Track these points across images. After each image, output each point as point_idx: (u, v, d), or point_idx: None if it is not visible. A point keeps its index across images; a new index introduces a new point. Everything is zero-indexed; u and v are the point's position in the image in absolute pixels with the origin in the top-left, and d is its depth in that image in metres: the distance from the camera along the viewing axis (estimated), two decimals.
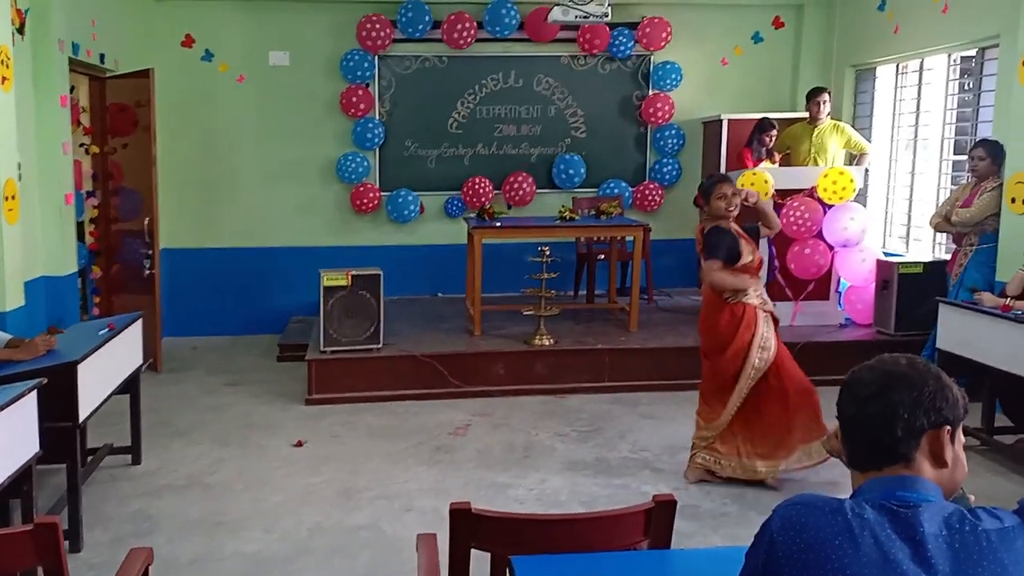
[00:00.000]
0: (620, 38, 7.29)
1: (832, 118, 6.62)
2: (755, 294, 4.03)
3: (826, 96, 6.44)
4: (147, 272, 6.10)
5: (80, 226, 5.96)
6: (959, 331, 4.51)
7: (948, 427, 1.36)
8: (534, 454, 4.55)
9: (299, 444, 4.69)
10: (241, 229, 7.29)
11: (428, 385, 5.43)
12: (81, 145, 6.33)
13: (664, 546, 1.90)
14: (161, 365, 6.21)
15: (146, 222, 6.08)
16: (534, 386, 5.53)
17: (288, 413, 5.24)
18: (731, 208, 3.96)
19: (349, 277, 5.37)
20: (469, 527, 1.86)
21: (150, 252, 6.10)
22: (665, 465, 4.37)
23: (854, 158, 6.57)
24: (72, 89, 5.71)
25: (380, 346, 5.50)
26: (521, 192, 7.39)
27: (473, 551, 1.92)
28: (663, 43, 7.35)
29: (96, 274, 6.30)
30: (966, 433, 4.52)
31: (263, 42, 7.15)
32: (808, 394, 4.02)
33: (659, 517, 1.89)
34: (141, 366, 4.41)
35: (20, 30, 4.78)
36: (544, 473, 4.29)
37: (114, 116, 6.36)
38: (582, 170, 7.44)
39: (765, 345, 3.98)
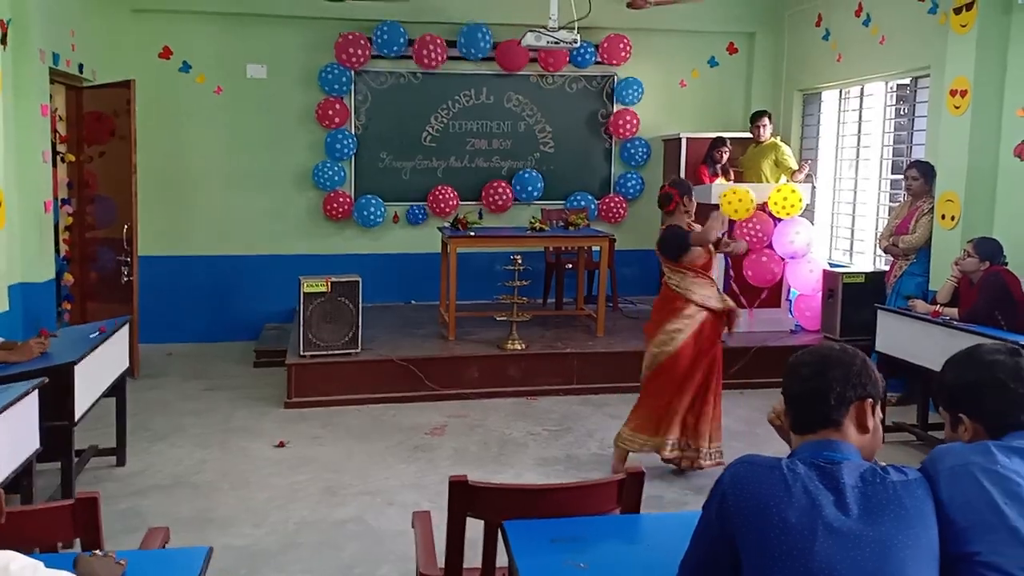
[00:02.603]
0: (583, 52, 7.59)
1: (781, 139, 7.05)
2: (702, 293, 4.31)
3: (766, 120, 6.92)
4: (125, 279, 6.20)
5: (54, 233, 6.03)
6: (895, 335, 4.88)
7: (871, 400, 1.68)
8: (508, 452, 4.79)
9: (281, 445, 4.86)
10: (214, 237, 7.40)
11: (406, 388, 5.63)
12: (56, 153, 6.41)
13: (634, 511, 2.15)
14: (138, 371, 6.30)
15: (124, 229, 6.18)
16: (507, 388, 5.77)
17: (268, 416, 5.39)
18: (690, 216, 4.42)
19: (328, 284, 5.56)
20: (466, 497, 2.09)
21: (128, 259, 6.20)
22: (631, 461, 4.63)
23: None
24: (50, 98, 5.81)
25: (359, 351, 5.69)
26: (500, 199, 7.66)
27: (468, 519, 2.15)
28: (624, 57, 7.70)
29: (68, 281, 6.36)
30: (903, 429, 4.97)
31: (241, 54, 7.31)
32: (708, 404, 4.32)
33: (630, 487, 2.14)
34: (127, 370, 4.54)
35: (2, 40, 4.89)
36: (518, 469, 4.53)
37: (90, 125, 6.45)
38: (540, 185, 7.75)
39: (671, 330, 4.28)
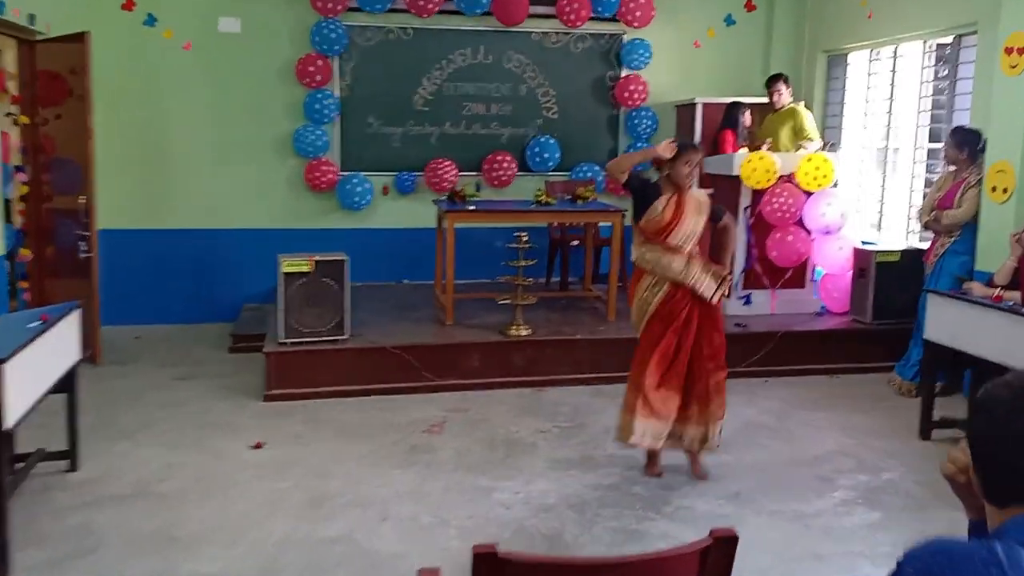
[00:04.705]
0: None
1: (805, 104, 6.47)
2: (649, 264, 3.79)
3: (781, 85, 6.27)
4: (83, 255, 5.59)
5: (7, 204, 5.40)
6: (948, 322, 4.36)
7: None
8: (516, 453, 4.25)
9: (258, 446, 4.30)
10: (186, 209, 6.77)
11: (399, 379, 5.08)
12: (8, 115, 5.76)
13: None
14: (101, 357, 5.70)
15: (82, 200, 5.56)
16: (511, 379, 5.23)
17: (245, 411, 4.83)
18: (691, 177, 3.79)
19: (312, 263, 4.96)
20: (494, 574, 1.53)
21: (87, 233, 5.58)
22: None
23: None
24: None
25: (346, 337, 5.12)
26: (501, 173, 7.05)
27: None
28: (649, 19, 7.06)
29: (25, 257, 5.73)
30: (953, 424, 4.47)
31: (212, 6, 6.62)
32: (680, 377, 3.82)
33: (717, 558, 1.59)
34: (79, 361, 3.95)
35: None
36: (528, 474, 3.99)
37: (45, 84, 5.80)
38: (557, 154, 7.13)
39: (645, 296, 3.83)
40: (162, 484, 3.84)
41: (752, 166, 5.65)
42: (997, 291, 4.17)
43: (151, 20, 6.56)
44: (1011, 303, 4.05)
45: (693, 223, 3.77)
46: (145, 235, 6.70)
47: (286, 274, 4.96)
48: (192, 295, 6.79)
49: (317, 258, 5.00)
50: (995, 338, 4.04)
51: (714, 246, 4.00)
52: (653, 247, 3.79)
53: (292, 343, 5.03)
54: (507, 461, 4.15)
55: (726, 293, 3.83)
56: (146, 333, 6.50)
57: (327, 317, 5.05)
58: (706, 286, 3.77)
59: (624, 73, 7.24)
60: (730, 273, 3.89)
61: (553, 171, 7.17)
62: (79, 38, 5.52)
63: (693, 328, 3.78)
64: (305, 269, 4.95)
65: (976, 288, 4.28)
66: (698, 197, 3.85)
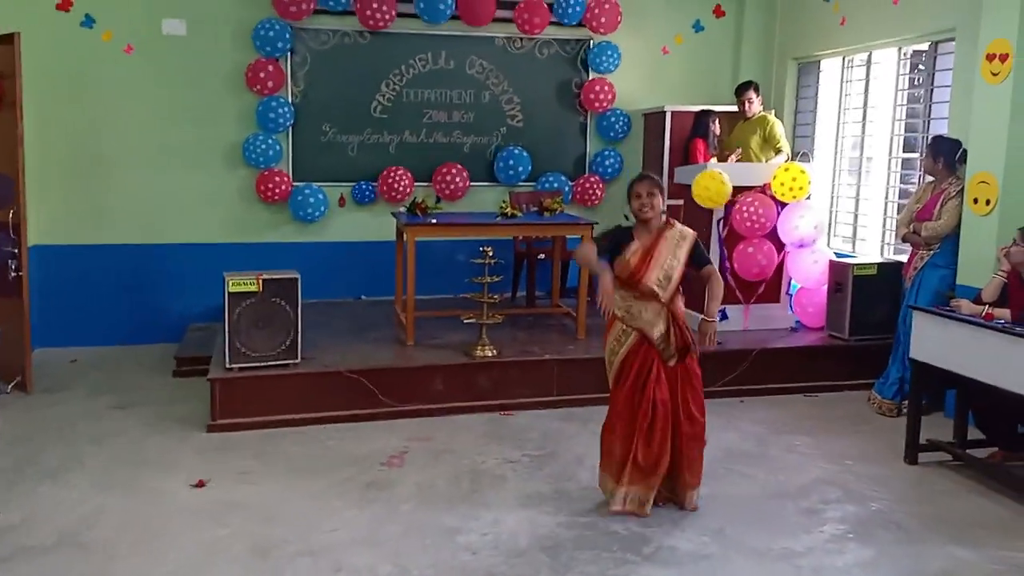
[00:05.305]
0: (566, 4, 6.70)
1: (774, 113, 6.30)
2: (621, 309, 3.54)
3: (751, 93, 6.08)
4: (13, 274, 5.15)
5: None
6: (936, 341, 4.16)
7: None
8: (483, 487, 3.94)
9: (200, 485, 3.92)
10: (127, 223, 6.34)
11: (355, 406, 4.73)
12: None
13: None
14: (31, 384, 5.25)
15: (11, 214, 5.13)
16: (477, 403, 4.91)
17: (187, 444, 4.44)
18: (645, 209, 3.51)
19: (260, 282, 4.60)
20: None
21: (16, 250, 5.15)
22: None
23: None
24: None
25: (298, 361, 4.76)
26: (453, 185, 6.74)
27: None
28: (616, 25, 6.84)
29: None
30: (939, 447, 4.28)
31: (155, 7, 6.22)
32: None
33: None
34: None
35: None
36: (497, 512, 3.68)
37: None
38: (528, 167, 6.88)
39: (612, 347, 3.59)
40: (89, 532, 3.44)
41: (703, 185, 5.45)
42: (987, 309, 3.98)
43: (89, 21, 6.13)
44: (1002, 321, 3.86)
45: (667, 262, 3.51)
46: (81, 251, 6.25)
47: (232, 294, 4.59)
48: (133, 315, 6.36)
49: (265, 276, 4.64)
50: (987, 358, 3.85)
51: (703, 292, 3.72)
52: (626, 293, 3.54)
53: (239, 368, 4.65)
54: (473, 496, 3.83)
55: (695, 354, 3.57)
56: (83, 356, 6.06)
57: (277, 340, 4.69)
58: (667, 353, 3.53)
59: (590, 77, 7.00)
60: (695, 351, 3.60)
61: (519, 181, 6.90)
62: (7, 40, 5.10)
63: (664, 383, 3.52)
64: (253, 289, 4.58)
65: (964, 305, 4.09)
66: (678, 233, 3.57)
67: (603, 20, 6.78)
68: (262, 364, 4.68)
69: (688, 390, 3.58)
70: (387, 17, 6.36)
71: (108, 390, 5.33)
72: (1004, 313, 3.94)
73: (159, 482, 3.95)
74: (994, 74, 4.57)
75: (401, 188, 6.58)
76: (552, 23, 6.74)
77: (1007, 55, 4.48)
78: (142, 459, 4.23)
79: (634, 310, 3.53)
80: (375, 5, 6.28)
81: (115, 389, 5.35)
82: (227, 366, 4.65)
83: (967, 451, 4.27)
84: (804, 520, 3.64)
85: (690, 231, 3.63)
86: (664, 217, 3.61)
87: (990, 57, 4.58)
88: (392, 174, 6.61)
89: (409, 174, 6.65)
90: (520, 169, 6.85)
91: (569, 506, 3.74)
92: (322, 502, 3.75)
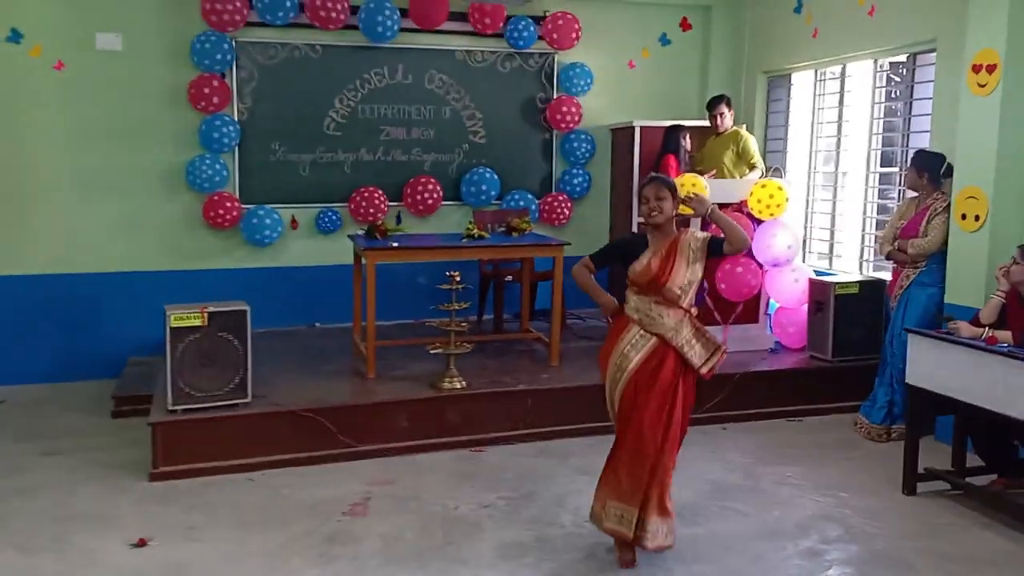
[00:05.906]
0: (520, 27, 6.48)
1: (746, 127, 6.13)
2: (639, 313, 3.25)
3: (723, 108, 5.91)
4: None
5: None
6: (933, 366, 3.95)
7: None
8: (457, 537, 3.58)
9: (141, 543, 3.49)
10: (61, 252, 5.86)
11: (312, 447, 4.33)
12: None
13: None
14: None
15: None
16: (445, 439, 4.56)
17: (127, 495, 3.99)
18: (654, 214, 3.22)
19: (205, 315, 4.19)
20: None
21: None
22: None
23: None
24: None
25: (248, 400, 4.35)
26: (426, 201, 6.41)
27: None
28: (573, 41, 6.61)
29: None
30: (937, 476, 4.06)
31: (88, 20, 5.78)
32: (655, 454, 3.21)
33: None
34: None
35: None
36: (475, 567, 3.33)
37: None
38: (495, 189, 6.59)
39: (626, 352, 3.22)
40: None
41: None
42: (988, 331, 3.79)
43: (16, 36, 5.67)
44: (1006, 345, 3.66)
45: (688, 268, 3.21)
46: (11, 282, 5.75)
47: (174, 329, 4.17)
48: (68, 349, 5.86)
49: (211, 309, 4.23)
50: (991, 384, 3.63)
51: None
52: (645, 298, 3.24)
53: (183, 410, 4.23)
54: (447, 550, 3.47)
55: (716, 364, 3.27)
56: (13, 395, 5.55)
57: (225, 377, 4.28)
58: (697, 353, 3.22)
59: (557, 95, 6.75)
60: (724, 348, 3.32)
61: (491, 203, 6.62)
62: None
63: (679, 397, 3.22)
64: (197, 323, 4.17)
65: (964, 328, 3.88)
66: (693, 237, 3.26)
67: (555, 36, 6.56)
68: (208, 404, 4.26)
69: (684, 402, 3.26)
70: (340, 16, 5.99)
71: (37, 435, 4.83)
72: (1005, 336, 3.74)
73: (95, 541, 3.51)
74: (981, 85, 4.42)
75: (378, 207, 6.25)
76: (505, 42, 6.53)
77: (995, 65, 4.33)
78: (74, 514, 3.78)
79: (653, 313, 3.21)
80: (324, 8, 5.93)
81: (44, 433, 4.85)
82: (170, 407, 4.22)
83: (967, 479, 4.06)
84: (807, 566, 3.36)
85: (703, 232, 3.39)
86: (676, 226, 3.32)
87: (976, 68, 4.43)
88: (362, 194, 6.27)
89: (383, 194, 6.31)
90: (485, 188, 6.56)
91: (553, 557, 3.41)
92: (277, 562, 3.35)
